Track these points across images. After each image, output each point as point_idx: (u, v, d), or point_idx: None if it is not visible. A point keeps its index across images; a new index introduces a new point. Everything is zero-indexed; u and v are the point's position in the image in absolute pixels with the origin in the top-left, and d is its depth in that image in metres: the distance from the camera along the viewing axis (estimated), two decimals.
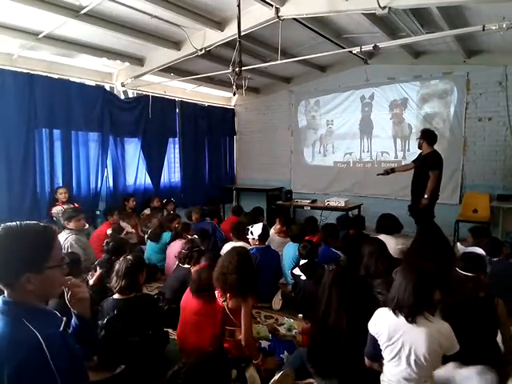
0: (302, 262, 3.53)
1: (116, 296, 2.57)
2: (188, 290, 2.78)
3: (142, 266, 2.74)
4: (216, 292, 2.58)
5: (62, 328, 1.28)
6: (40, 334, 1.16)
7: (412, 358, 1.86)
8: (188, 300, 2.71)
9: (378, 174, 5.39)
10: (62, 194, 5.10)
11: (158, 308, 2.85)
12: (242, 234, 4.03)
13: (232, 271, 2.43)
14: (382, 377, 2.02)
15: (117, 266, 2.63)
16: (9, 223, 1.24)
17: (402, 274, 1.97)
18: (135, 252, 3.32)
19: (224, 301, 2.50)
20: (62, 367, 1.17)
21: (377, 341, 1.98)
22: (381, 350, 1.98)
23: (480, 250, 2.66)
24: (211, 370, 1.40)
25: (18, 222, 1.25)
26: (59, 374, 1.16)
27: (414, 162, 5.02)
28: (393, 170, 5.28)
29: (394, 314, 1.92)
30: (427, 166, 4.59)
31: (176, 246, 4.03)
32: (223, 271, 2.46)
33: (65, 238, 3.83)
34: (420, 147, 4.82)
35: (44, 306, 1.34)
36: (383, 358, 2.00)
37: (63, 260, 1.33)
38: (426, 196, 4.55)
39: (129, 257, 2.71)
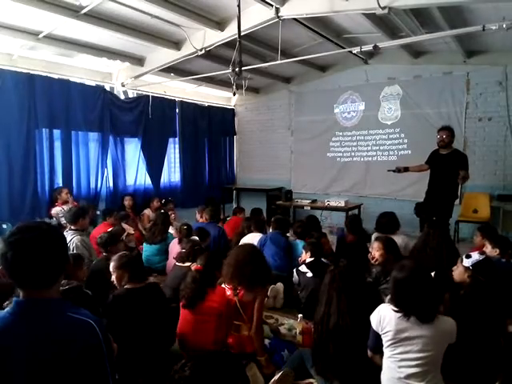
0: (309, 259, 3.54)
1: (128, 286, 2.59)
2: None
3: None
4: (226, 287, 2.59)
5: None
6: (91, 320, 1.26)
7: (421, 353, 1.86)
8: None
9: (389, 170, 5.15)
10: (67, 195, 5.13)
11: (164, 297, 2.86)
12: (259, 224, 4.61)
13: (247, 263, 2.49)
14: (383, 375, 2.02)
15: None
16: (28, 223, 1.27)
17: (404, 277, 1.97)
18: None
19: (236, 295, 2.52)
20: (109, 350, 1.29)
21: (379, 335, 1.98)
22: (382, 345, 1.98)
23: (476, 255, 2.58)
24: (222, 368, 1.40)
25: (36, 221, 1.31)
26: (107, 356, 1.27)
27: (429, 162, 4.80)
28: (406, 169, 4.97)
29: (404, 316, 1.91)
30: (459, 167, 4.42)
31: (177, 247, 4.06)
32: (238, 265, 2.50)
33: (69, 239, 3.77)
34: (446, 145, 4.59)
35: None
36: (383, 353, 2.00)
37: None
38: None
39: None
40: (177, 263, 3.55)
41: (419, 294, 1.89)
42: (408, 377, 1.88)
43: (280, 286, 3.76)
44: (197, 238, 4.04)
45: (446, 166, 4.55)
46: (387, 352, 1.96)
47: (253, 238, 4.34)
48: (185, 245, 3.61)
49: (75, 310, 1.27)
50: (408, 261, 2.23)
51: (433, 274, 2.08)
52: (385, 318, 1.96)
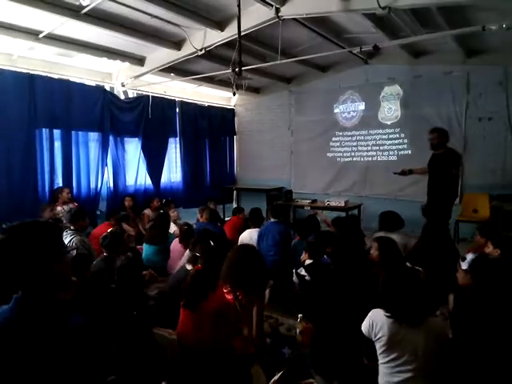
0: (308, 262, 3.53)
1: None
2: None
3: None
4: (224, 290, 2.59)
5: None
6: (76, 325, 1.28)
7: (415, 357, 1.85)
8: None
9: (395, 173, 5.20)
10: (68, 194, 5.15)
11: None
12: (256, 221, 4.71)
13: (237, 265, 2.47)
14: (380, 380, 2.01)
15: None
16: (19, 222, 1.27)
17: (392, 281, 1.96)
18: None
19: (236, 298, 2.51)
20: (101, 352, 1.39)
21: (373, 342, 1.98)
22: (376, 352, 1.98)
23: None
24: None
25: (27, 220, 1.29)
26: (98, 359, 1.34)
27: (429, 164, 4.79)
28: (411, 172, 5.08)
29: (396, 320, 1.90)
30: (451, 165, 4.46)
31: (178, 246, 4.06)
32: (229, 265, 2.49)
33: (69, 240, 3.77)
34: (436, 146, 4.61)
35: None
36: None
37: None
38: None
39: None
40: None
41: (407, 297, 1.88)
42: (404, 381, 1.88)
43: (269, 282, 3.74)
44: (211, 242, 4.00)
45: (438, 165, 4.60)
46: (382, 358, 1.95)
47: (250, 234, 4.41)
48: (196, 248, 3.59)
49: (63, 313, 1.27)
50: (394, 264, 2.24)
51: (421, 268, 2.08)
52: (377, 323, 1.94)
